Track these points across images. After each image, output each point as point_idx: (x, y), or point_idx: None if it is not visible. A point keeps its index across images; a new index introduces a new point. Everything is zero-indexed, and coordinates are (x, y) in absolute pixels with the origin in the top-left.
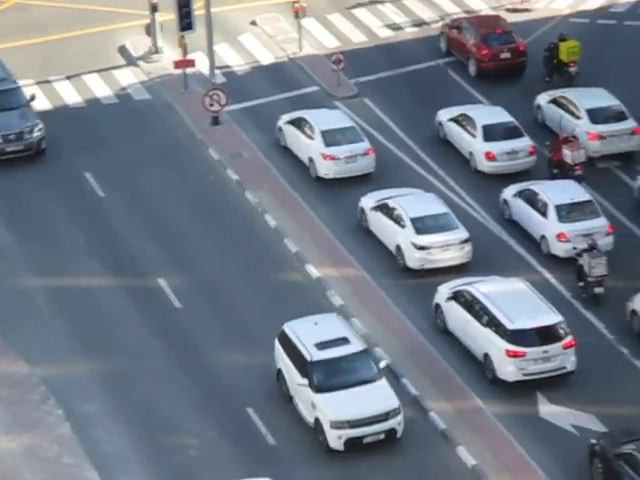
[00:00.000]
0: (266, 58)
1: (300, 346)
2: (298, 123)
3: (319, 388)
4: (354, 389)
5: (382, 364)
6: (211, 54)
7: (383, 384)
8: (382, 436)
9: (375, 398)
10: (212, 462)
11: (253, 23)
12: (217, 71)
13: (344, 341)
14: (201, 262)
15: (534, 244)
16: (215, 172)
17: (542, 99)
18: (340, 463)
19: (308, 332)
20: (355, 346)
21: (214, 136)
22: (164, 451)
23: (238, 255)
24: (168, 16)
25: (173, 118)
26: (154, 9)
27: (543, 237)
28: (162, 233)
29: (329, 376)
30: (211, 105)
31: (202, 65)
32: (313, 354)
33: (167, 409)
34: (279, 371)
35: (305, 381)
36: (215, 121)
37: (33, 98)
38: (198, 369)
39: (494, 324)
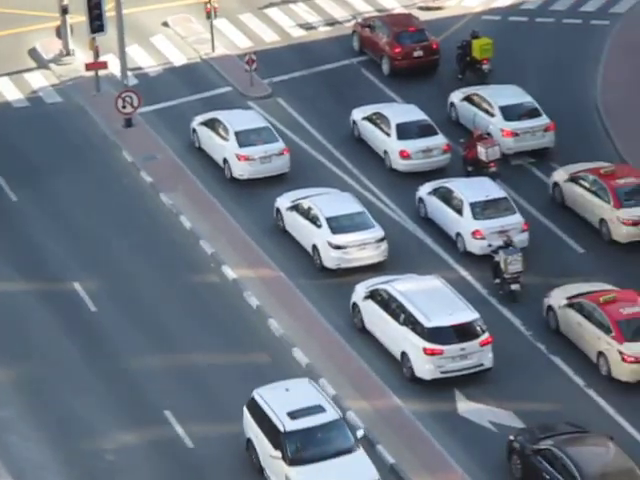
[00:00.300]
0: (178, 59)
1: (272, 415)
2: (212, 124)
3: (293, 461)
4: (331, 461)
5: (359, 433)
6: (123, 56)
7: (361, 454)
8: None
9: (353, 470)
10: (129, 467)
11: (165, 24)
12: (129, 73)
13: (319, 409)
14: (116, 265)
15: (450, 242)
16: (129, 174)
17: (455, 97)
18: None
19: (279, 399)
20: (330, 414)
21: (127, 138)
22: (81, 457)
23: (153, 257)
24: (79, 18)
25: (85, 121)
26: (64, 11)
27: (459, 235)
28: (76, 236)
29: (304, 447)
30: (124, 107)
31: (114, 67)
32: (286, 424)
33: (84, 414)
34: (248, 440)
35: (278, 453)
36: (128, 123)
37: None
38: (115, 373)
39: (411, 322)
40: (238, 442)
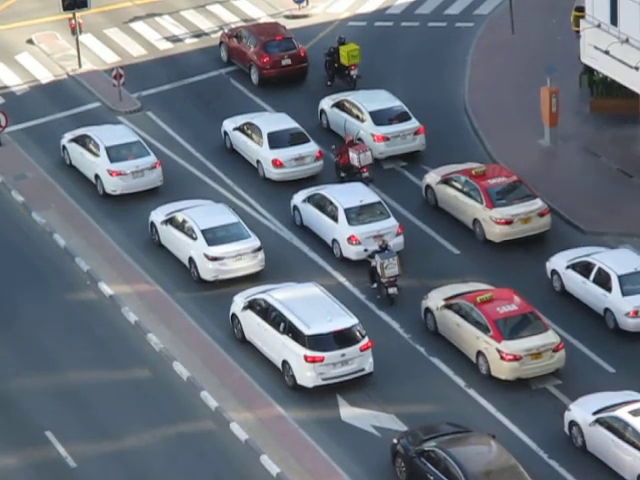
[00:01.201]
0: (45, 76)
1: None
2: (82, 141)
3: None
4: None
5: None
6: None
7: None
8: None
9: None
10: None
11: (30, 42)
12: None
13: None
14: None
15: (327, 248)
16: None
17: (325, 103)
18: None
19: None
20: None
21: None
22: None
23: (28, 277)
24: None
25: None
26: None
27: (335, 241)
28: None
29: None
30: None
31: None
32: None
33: None
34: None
35: None
36: None
37: None
38: None
39: (291, 330)
40: (121, 459)
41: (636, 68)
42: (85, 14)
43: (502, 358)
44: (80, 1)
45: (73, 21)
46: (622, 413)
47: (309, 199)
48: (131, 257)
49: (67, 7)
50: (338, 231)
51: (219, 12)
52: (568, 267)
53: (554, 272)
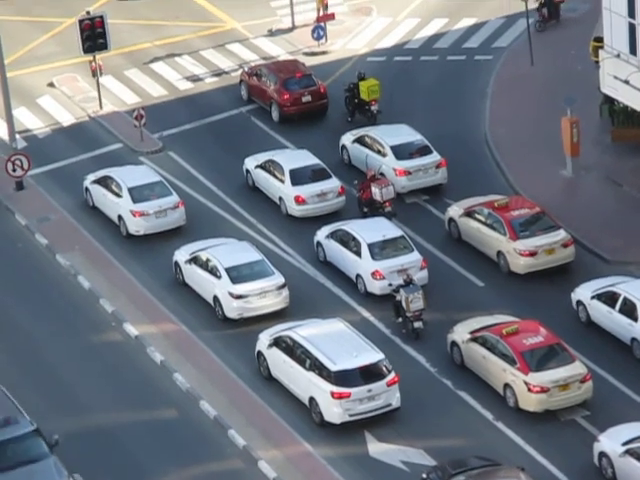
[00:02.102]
0: (67, 119)
1: None
2: (105, 182)
3: None
4: None
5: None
6: (10, 119)
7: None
8: None
9: None
10: None
11: (51, 85)
12: (17, 136)
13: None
14: (17, 330)
15: (351, 284)
16: (23, 238)
17: (346, 139)
18: None
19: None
20: None
21: (19, 201)
22: None
23: (54, 319)
24: None
25: None
26: None
27: (359, 276)
28: None
29: None
30: (14, 170)
31: (1, 131)
32: None
33: None
34: None
35: None
36: (19, 186)
37: None
38: None
39: (317, 367)
40: None
41: None
42: (105, 56)
43: (529, 390)
44: (100, 43)
45: (93, 63)
46: None
47: (332, 235)
48: (156, 297)
49: (87, 50)
50: (362, 266)
51: (238, 51)
52: (593, 297)
53: (579, 303)
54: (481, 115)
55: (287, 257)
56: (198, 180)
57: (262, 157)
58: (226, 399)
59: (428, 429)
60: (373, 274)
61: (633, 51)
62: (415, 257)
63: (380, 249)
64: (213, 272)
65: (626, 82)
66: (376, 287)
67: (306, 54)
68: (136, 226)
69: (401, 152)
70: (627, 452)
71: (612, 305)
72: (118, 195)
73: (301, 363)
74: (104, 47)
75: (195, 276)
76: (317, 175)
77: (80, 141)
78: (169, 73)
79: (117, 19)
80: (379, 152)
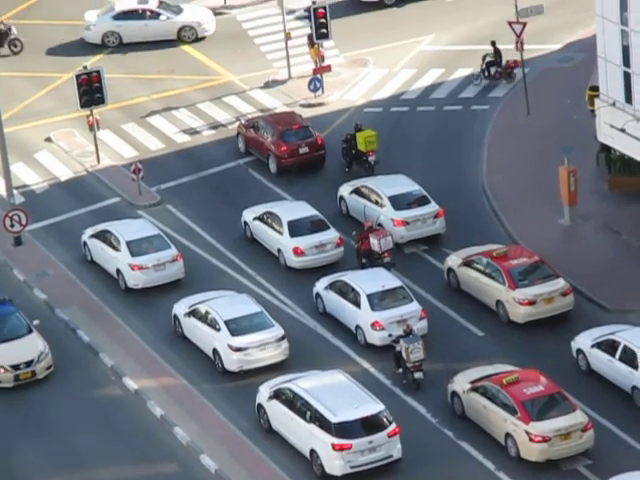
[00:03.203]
0: (64, 173)
1: None
2: (103, 236)
3: None
4: None
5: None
6: (7, 175)
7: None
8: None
9: None
10: None
11: (48, 140)
12: (15, 191)
13: None
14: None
15: (350, 335)
16: (22, 293)
17: (344, 190)
18: None
19: None
20: None
21: (18, 257)
22: None
23: (53, 374)
24: None
25: None
26: None
27: (358, 327)
28: None
29: None
30: (12, 226)
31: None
32: None
33: None
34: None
35: None
36: (17, 241)
37: None
38: None
39: (318, 419)
40: None
41: None
42: (102, 110)
43: (531, 440)
44: (97, 98)
45: (90, 118)
46: None
47: (331, 286)
48: (155, 351)
49: (84, 104)
50: (361, 317)
51: (235, 103)
52: (593, 346)
53: (579, 351)
54: (478, 165)
55: (286, 309)
56: (196, 233)
57: (260, 209)
58: (227, 452)
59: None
60: (373, 325)
61: (629, 99)
62: (414, 307)
63: (379, 300)
64: (212, 325)
65: (622, 130)
66: (376, 338)
67: (303, 106)
68: (135, 280)
69: (399, 202)
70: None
71: (612, 353)
72: (116, 249)
73: (301, 415)
74: (101, 101)
75: (194, 329)
76: (315, 226)
77: (78, 195)
78: (166, 126)
79: (114, 73)
80: (377, 203)
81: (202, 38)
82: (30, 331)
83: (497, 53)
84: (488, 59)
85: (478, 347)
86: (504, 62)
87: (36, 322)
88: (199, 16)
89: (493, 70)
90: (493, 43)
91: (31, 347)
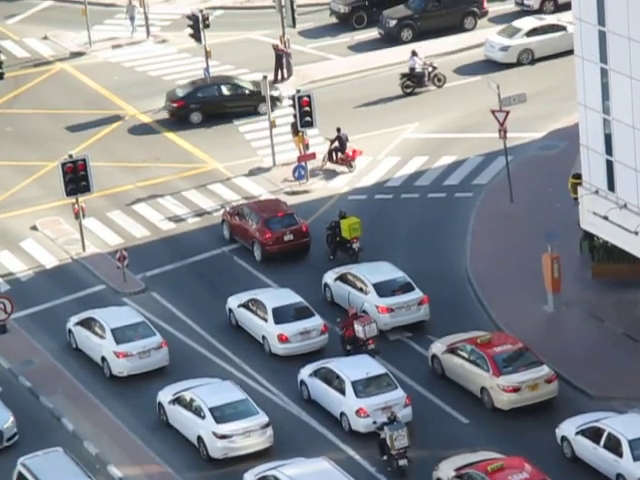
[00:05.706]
0: (50, 261)
1: None
2: (88, 323)
3: None
4: None
5: None
6: None
7: None
8: None
9: None
10: None
11: (34, 228)
12: (1, 279)
13: None
14: (4, 476)
15: (335, 422)
16: (6, 381)
17: (329, 277)
18: None
19: None
20: None
21: (2, 345)
22: None
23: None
24: None
25: None
26: None
27: (343, 414)
28: None
29: None
30: None
31: None
32: None
33: None
34: None
35: None
36: (2, 329)
37: None
38: None
39: None
40: None
41: (635, 233)
42: (88, 198)
43: None
44: (82, 186)
45: (76, 206)
46: None
47: (316, 373)
48: (140, 438)
49: (70, 192)
50: (346, 404)
51: (220, 191)
52: (578, 433)
53: (564, 438)
54: (462, 252)
55: (271, 396)
56: (181, 320)
57: (245, 296)
58: None
59: None
60: (357, 412)
61: (611, 187)
62: (399, 394)
63: (364, 387)
64: (197, 412)
65: (605, 218)
66: (360, 425)
67: (288, 193)
68: (119, 367)
69: (383, 289)
70: None
71: (597, 441)
72: (101, 336)
73: None
74: (87, 189)
75: (179, 416)
76: (300, 313)
77: (63, 283)
78: (151, 214)
79: (99, 162)
80: (361, 290)
81: None
82: None
83: (340, 140)
84: (334, 145)
85: (463, 434)
86: (347, 150)
87: None
88: None
89: (336, 156)
90: (338, 130)
91: None
